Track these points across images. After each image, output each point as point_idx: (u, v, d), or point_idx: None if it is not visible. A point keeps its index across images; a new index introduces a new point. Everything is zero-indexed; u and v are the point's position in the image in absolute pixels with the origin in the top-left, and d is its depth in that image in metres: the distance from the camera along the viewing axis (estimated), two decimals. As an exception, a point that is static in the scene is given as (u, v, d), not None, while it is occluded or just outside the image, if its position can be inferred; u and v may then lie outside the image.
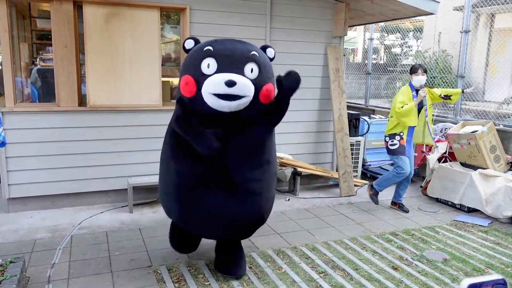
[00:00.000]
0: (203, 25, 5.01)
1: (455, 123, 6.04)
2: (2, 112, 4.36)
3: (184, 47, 3.04)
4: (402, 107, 4.67)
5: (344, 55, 6.24)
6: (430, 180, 5.56)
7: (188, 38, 3.04)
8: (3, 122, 4.27)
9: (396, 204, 5.14)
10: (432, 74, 8.77)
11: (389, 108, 7.27)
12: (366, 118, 6.78)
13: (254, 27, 5.28)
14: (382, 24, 10.31)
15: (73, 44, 4.57)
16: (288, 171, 5.36)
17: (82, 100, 4.80)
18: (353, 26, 8.89)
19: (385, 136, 4.96)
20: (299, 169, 5.50)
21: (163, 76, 5.04)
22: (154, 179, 4.84)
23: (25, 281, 3.17)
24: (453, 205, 5.23)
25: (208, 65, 2.80)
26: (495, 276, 1.32)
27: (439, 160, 5.69)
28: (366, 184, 6.17)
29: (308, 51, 5.63)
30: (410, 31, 13.01)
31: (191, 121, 2.90)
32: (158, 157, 4.82)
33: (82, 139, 4.73)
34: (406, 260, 3.73)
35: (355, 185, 5.81)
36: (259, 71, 2.88)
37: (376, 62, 11.28)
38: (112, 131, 4.82)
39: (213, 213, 3.00)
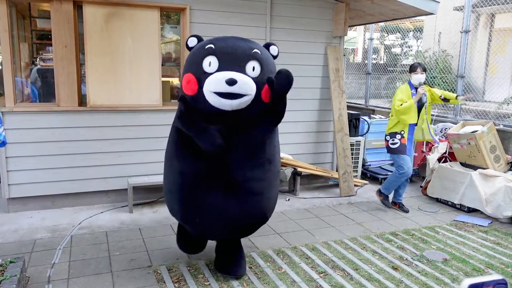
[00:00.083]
0: (203, 25, 5.01)
1: (455, 123, 6.04)
2: (2, 112, 4.36)
3: (187, 45, 3.03)
4: (401, 104, 4.69)
5: (344, 55, 6.24)
6: (430, 180, 5.56)
7: (191, 36, 3.03)
8: (3, 122, 4.27)
9: (396, 204, 5.14)
10: (432, 74, 8.77)
11: (389, 108, 7.28)
12: (366, 118, 6.78)
13: (254, 27, 5.28)
14: (382, 24, 10.31)
15: (73, 44, 4.57)
16: (288, 171, 5.37)
17: (82, 100, 4.80)
18: (353, 26, 8.89)
19: (386, 135, 4.96)
20: (299, 169, 5.50)
21: (163, 76, 5.04)
22: (154, 179, 4.85)
23: (25, 281, 3.17)
24: (453, 205, 5.23)
25: (210, 63, 2.79)
26: (495, 277, 1.33)
27: (439, 160, 5.69)
28: (366, 184, 6.18)
29: (308, 51, 5.63)
30: (410, 31, 13.01)
31: (194, 118, 2.90)
32: (158, 157, 4.87)
33: (82, 139, 4.73)
34: (406, 260, 3.73)
35: (355, 185, 5.81)
36: (261, 69, 2.86)
37: (376, 62, 11.29)
38: (112, 131, 4.82)
39: (214, 213, 3.00)
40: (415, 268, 3.58)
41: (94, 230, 4.22)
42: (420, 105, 4.76)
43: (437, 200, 5.46)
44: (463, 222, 4.75)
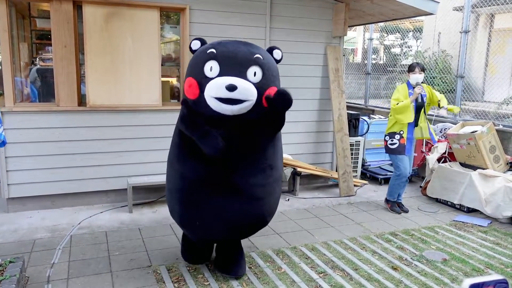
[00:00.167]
0: (203, 25, 5.01)
1: (455, 123, 6.04)
2: (1, 112, 4.36)
3: (190, 48, 3.02)
4: (397, 104, 4.71)
5: (343, 55, 6.24)
6: (429, 180, 5.56)
7: (195, 39, 3.02)
8: (3, 122, 4.27)
9: (389, 203, 5.14)
10: (432, 74, 8.78)
11: (388, 108, 7.27)
12: (365, 118, 6.78)
13: (254, 27, 5.28)
14: (381, 24, 10.32)
15: (72, 44, 4.57)
16: (288, 171, 5.37)
17: (81, 100, 4.79)
18: (353, 26, 8.89)
19: (385, 135, 4.97)
20: (298, 169, 5.51)
21: (162, 76, 5.04)
22: (154, 179, 4.85)
23: (25, 281, 3.17)
24: (452, 205, 5.23)
25: (211, 68, 2.79)
26: (496, 277, 1.33)
27: (439, 160, 5.70)
28: (366, 184, 6.18)
29: (308, 51, 5.63)
30: (410, 31, 13.02)
31: (196, 121, 2.90)
32: (157, 157, 4.88)
33: (82, 139, 4.73)
34: (405, 260, 3.73)
35: (354, 185, 5.82)
36: (263, 74, 2.85)
37: (376, 62, 11.29)
38: (112, 131, 4.82)
39: (215, 215, 3.01)
40: (415, 268, 3.58)
41: (94, 230, 4.22)
42: (419, 105, 4.76)
43: (437, 200, 5.46)
44: (462, 222, 4.75)
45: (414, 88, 4.73)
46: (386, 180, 5.98)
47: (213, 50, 2.83)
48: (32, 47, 5.56)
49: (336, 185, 5.87)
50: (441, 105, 4.81)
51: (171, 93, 5.49)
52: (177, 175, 3.07)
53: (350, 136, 5.95)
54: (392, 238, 4.23)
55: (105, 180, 4.88)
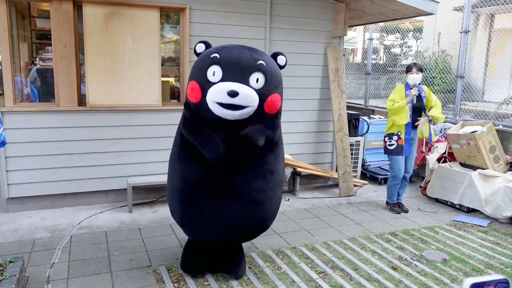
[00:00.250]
0: (203, 25, 5.01)
1: (455, 123, 6.04)
2: (1, 111, 4.36)
3: (195, 51, 3.03)
4: (392, 104, 4.73)
5: (343, 55, 6.24)
6: (429, 180, 5.56)
7: (199, 42, 3.02)
8: (3, 122, 4.27)
9: (389, 204, 5.14)
10: (431, 74, 8.78)
11: (388, 108, 7.27)
12: (365, 118, 6.78)
13: (254, 27, 5.28)
14: (381, 24, 10.32)
15: (72, 44, 4.56)
16: (288, 171, 5.37)
17: (81, 100, 4.79)
18: (353, 26, 8.89)
19: (384, 136, 4.98)
20: (298, 169, 5.51)
21: (162, 76, 5.04)
22: (154, 179, 4.85)
23: (24, 281, 3.17)
24: (452, 205, 5.23)
25: (214, 72, 2.79)
26: (497, 276, 1.32)
27: (439, 160, 5.70)
28: (366, 184, 6.18)
29: (308, 51, 5.63)
30: (410, 31, 13.02)
31: (198, 125, 2.91)
32: (157, 157, 4.88)
33: (82, 139, 4.73)
34: (405, 260, 3.73)
35: (354, 185, 5.82)
36: (265, 81, 2.84)
37: (376, 62, 11.29)
38: (112, 131, 4.82)
39: (215, 218, 3.02)
40: (415, 268, 3.58)
41: (94, 230, 4.22)
42: (417, 106, 4.76)
43: (437, 200, 5.46)
44: (462, 222, 4.75)
45: (411, 89, 4.73)
46: (386, 180, 5.95)
47: (217, 55, 2.83)
48: (32, 47, 5.56)
49: (336, 185, 5.87)
50: (429, 113, 4.80)
51: (171, 93, 5.49)
52: (178, 176, 3.08)
53: (350, 136, 5.95)
54: (392, 238, 4.23)
55: (105, 180, 4.88)
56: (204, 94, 2.80)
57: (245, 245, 3.79)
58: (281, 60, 3.07)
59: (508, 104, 7.37)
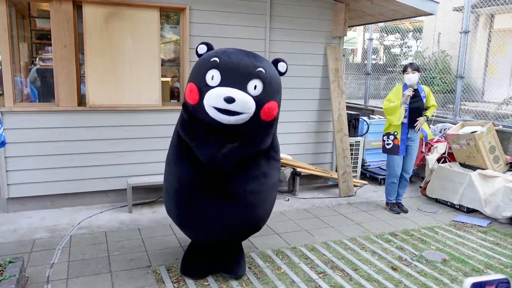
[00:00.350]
0: (203, 25, 5.01)
1: (455, 124, 6.05)
2: (1, 112, 4.36)
3: (196, 52, 3.04)
4: (388, 104, 4.79)
5: (343, 56, 6.25)
6: (429, 181, 5.57)
7: (201, 43, 3.02)
8: (3, 122, 4.26)
9: (388, 205, 5.14)
10: (431, 74, 8.78)
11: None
12: (365, 118, 6.78)
13: (253, 27, 5.28)
14: (381, 24, 10.32)
15: (72, 44, 4.56)
16: (288, 171, 5.37)
17: (81, 100, 4.79)
18: (353, 26, 8.89)
19: (383, 136, 5.01)
20: (298, 169, 5.51)
21: (162, 76, 5.04)
22: (154, 179, 4.85)
23: (24, 281, 3.17)
24: (452, 206, 5.23)
25: (212, 77, 2.80)
26: (498, 276, 1.32)
27: (438, 160, 5.70)
28: (365, 184, 6.18)
29: (307, 51, 5.63)
30: (410, 31, 13.02)
31: (196, 127, 2.93)
32: (157, 157, 4.88)
33: (82, 139, 4.73)
34: (405, 261, 3.73)
35: (354, 186, 5.81)
36: (263, 88, 2.85)
37: (376, 63, 11.29)
38: (112, 131, 4.82)
39: (210, 219, 3.05)
40: (414, 269, 3.58)
41: (94, 230, 4.22)
42: (415, 106, 4.75)
43: (436, 201, 5.46)
44: (462, 222, 4.75)
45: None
46: (386, 180, 5.98)
47: (217, 59, 2.83)
48: (32, 47, 5.55)
49: (336, 185, 5.87)
50: (426, 113, 4.84)
51: (171, 93, 5.49)
52: (174, 176, 3.10)
53: (350, 136, 5.95)
54: (391, 238, 4.23)
55: (104, 180, 4.88)
56: (201, 97, 2.82)
57: (244, 245, 3.79)
58: (281, 67, 3.07)
59: (508, 105, 7.37)
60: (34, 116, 4.54)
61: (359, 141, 6.37)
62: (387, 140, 4.92)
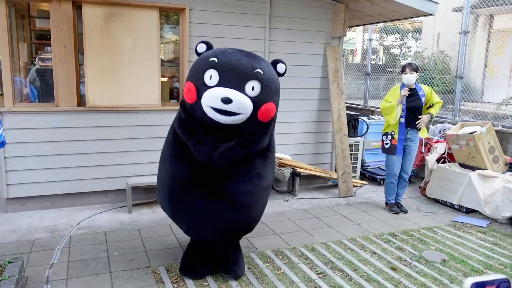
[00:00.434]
0: (203, 25, 5.01)
1: (454, 124, 6.05)
2: (1, 112, 4.36)
3: (196, 51, 3.05)
4: (385, 104, 4.81)
5: (343, 56, 6.25)
6: (429, 181, 5.57)
7: (201, 42, 3.03)
8: (3, 122, 4.26)
9: (388, 205, 5.15)
10: (431, 75, 8.78)
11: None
12: (365, 118, 6.79)
13: (253, 28, 5.28)
14: (381, 25, 10.32)
15: (72, 44, 4.56)
16: (287, 172, 5.37)
17: (81, 100, 4.79)
18: (352, 26, 8.90)
19: (382, 135, 5.02)
20: (298, 170, 5.51)
21: (162, 76, 5.04)
22: (153, 180, 4.82)
23: (24, 281, 3.16)
24: (451, 206, 5.24)
25: (211, 76, 2.82)
26: (498, 276, 1.32)
27: (438, 160, 5.70)
28: (365, 184, 6.18)
29: (307, 51, 5.63)
30: (409, 32, 13.03)
31: (193, 126, 2.95)
32: (157, 157, 4.81)
33: (81, 139, 4.72)
34: (404, 261, 3.73)
35: (354, 186, 5.82)
36: (261, 89, 2.86)
37: (375, 63, 11.30)
38: (111, 131, 4.81)
39: (201, 217, 3.06)
40: (414, 269, 3.59)
41: (93, 230, 4.22)
42: (412, 106, 4.75)
43: (436, 201, 5.47)
44: (461, 222, 4.76)
45: (409, 89, 4.76)
46: (386, 181, 5.98)
47: (215, 59, 2.84)
48: (32, 47, 5.55)
49: (336, 186, 5.87)
50: (430, 110, 4.85)
51: (170, 94, 5.49)
52: (167, 173, 3.12)
53: (349, 137, 5.95)
54: (391, 238, 4.23)
55: (104, 180, 4.88)
56: (199, 96, 2.83)
57: (244, 245, 3.79)
58: (280, 68, 3.08)
59: (507, 105, 7.38)
60: (33, 116, 4.54)
61: (359, 142, 6.37)
62: (386, 140, 4.95)
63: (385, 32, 12.02)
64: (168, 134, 3.22)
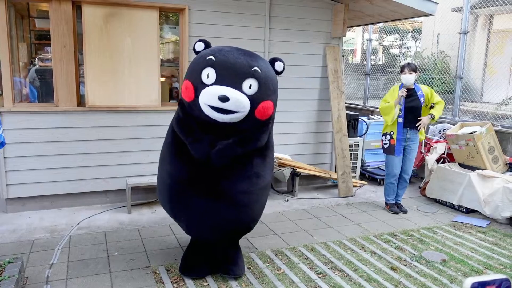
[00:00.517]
0: (202, 25, 5.01)
1: (454, 124, 6.05)
2: (0, 112, 4.36)
3: (194, 49, 3.05)
4: (384, 104, 4.83)
5: (343, 56, 6.25)
6: (428, 181, 5.57)
7: (199, 41, 3.04)
8: (2, 122, 4.26)
9: (388, 205, 5.15)
10: (430, 75, 8.79)
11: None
12: (364, 118, 6.79)
13: (253, 28, 5.28)
14: (380, 25, 10.32)
15: (71, 44, 4.56)
16: (287, 172, 5.37)
17: (80, 100, 4.79)
18: (352, 27, 8.90)
19: (381, 135, 5.02)
20: (298, 170, 5.51)
21: (162, 76, 5.04)
22: (153, 180, 4.83)
23: (24, 281, 3.16)
24: (451, 206, 5.24)
25: (208, 75, 2.82)
26: (498, 276, 1.32)
27: (438, 161, 5.70)
28: (365, 184, 6.18)
29: (307, 51, 5.63)
30: (409, 32, 13.04)
31: (191, 125, 2.95)
32: (157, 157, 4.81)
33: (81, 139, 4.72)
34: (404, 261, 3.73)
35: (353, 186, 5.82)
36: (259, 87, 2.86)
37: (375, 63, 11.30)
38: (111, 131, 4.81)
39: (200, 216, 3.06)
40: (414, 269, 3.59)
41: (93, 231, 4.21)
42: (411, 106, 4.75)
43: (436, 201, 5.47)
44: (461, 222, 4.76)
45: (407, 89, 4.75)
46: (385, 181, 5.98)
47: (212, 57, 2.85)
48: (31, 47, 5.54)
49: (335, 186, 5.87)
50: (431, 111, 4.81)
51: (170, 94, 5.49)
52: (166, 173, 3.13)
53: (349, 137, 5.95)
54: (391, 238, 4.23)
55: (104, 180, 4.88)
56: (197, 94, 2.84)
57: (244, 245, 3.79)
58: (278, 66, 3.08)
59: (507, 105, 7.38)
60: (33, 116, 4.53)
61: (359, 142, 6.38)
62: (385, 140, 4.95)
63: (385, 32, 12.03)
64: (167, 134, 3.22)
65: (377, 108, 8.20)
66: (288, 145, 5.68)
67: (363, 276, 3.43)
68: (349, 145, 6.01)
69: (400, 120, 4.78)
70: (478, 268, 3.63)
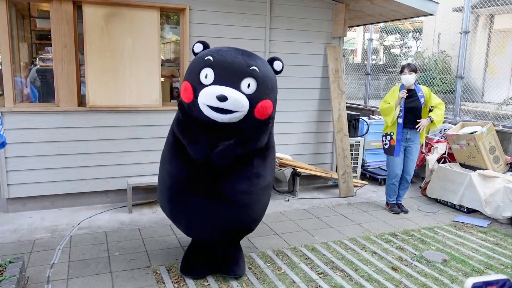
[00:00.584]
0: (203, 25, 5.01)
1: (455, 124, 6.04)
2: (1, 112, 4.36)
3: (193, 51, 3.06)
4: (384, 105, 4.84)
5: (343, 56, 6.25)
6: (429, 181, 5.57)
7: (198, 42, 3.05)
8: (3, 122, 4.26)
9: (388, 205, 5.15)
10: (431, 75, 8.78)
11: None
12: (365, 118, 6.79)
13: (254, 28, 5.28)
14: (381, 25, 10.33)
15: (72, 44, 4.57)
16: (288, 172, 5.37)
17: (81, 100, 4.80)
18: (353, 26, 8.89)
19: (382, 136, 5.02)
20: (298, 170, 5.51)
21: (162, 76, 5.04)
22: (154, 180, 4.84)
23: (25, 281, 3.16)
24: (452, 206, 5.24)
25: (206, 75, 2.83)
26: (499, 276, 1.32)
27: (439, 160, 5.70)
28: (366, 184, 6.18)
29: (307, 51, 5.63)
30: (410, 32, 13.03)
31: (190, 125, 2.96)
32: (157, 157, 4.83)
33: (82, 139, 4.73)
34: (405, 261, 3.73)
35: (354, 186, 5.82)
36: (257, 87, 2.86)
37: (376, 63, 11.29)
38: (112, 131, 4.82)
39: (200, 216, 3.05)
40: (415, 269, 3.58)
41: (94, 230, 4.22)
42: (411, 106, 4.74)
43: (437, 201, 5.46)
44: (462, 222, 4.75)
45: (407, 90, 4.75)
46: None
47: (210, 57, 2.86)
48: (32, 47, 5.55)
49: (336, 186, 5.87)
50: (430, 114, 4.77)
51: (171, 94, 5.49)
52: (167, 173, 3.14)
53: (350, 137, 5.95)
54: (392, 238, 4.23)
55: (105, 180, 4.88)
56: (196, 95, 2.85)
57: (244, 245, 3.79)
58: (277, 65, 3.08)
59: (508, 105, 7.37)
60: (34, 116, 4.54)
61: (359, 142, 6.37)
62: (385, 141, 4.95)
63: (386, 32, 12.03)
64: (168, 135, 3.23)
65: (378, 108, 8.21)
66: (288, 145, 5.68)
67: (364, 276, 3.43)
68: (350, 145, 6.01)
69: (400, 120, 4.77)
70: (479, 268, 3.62)
